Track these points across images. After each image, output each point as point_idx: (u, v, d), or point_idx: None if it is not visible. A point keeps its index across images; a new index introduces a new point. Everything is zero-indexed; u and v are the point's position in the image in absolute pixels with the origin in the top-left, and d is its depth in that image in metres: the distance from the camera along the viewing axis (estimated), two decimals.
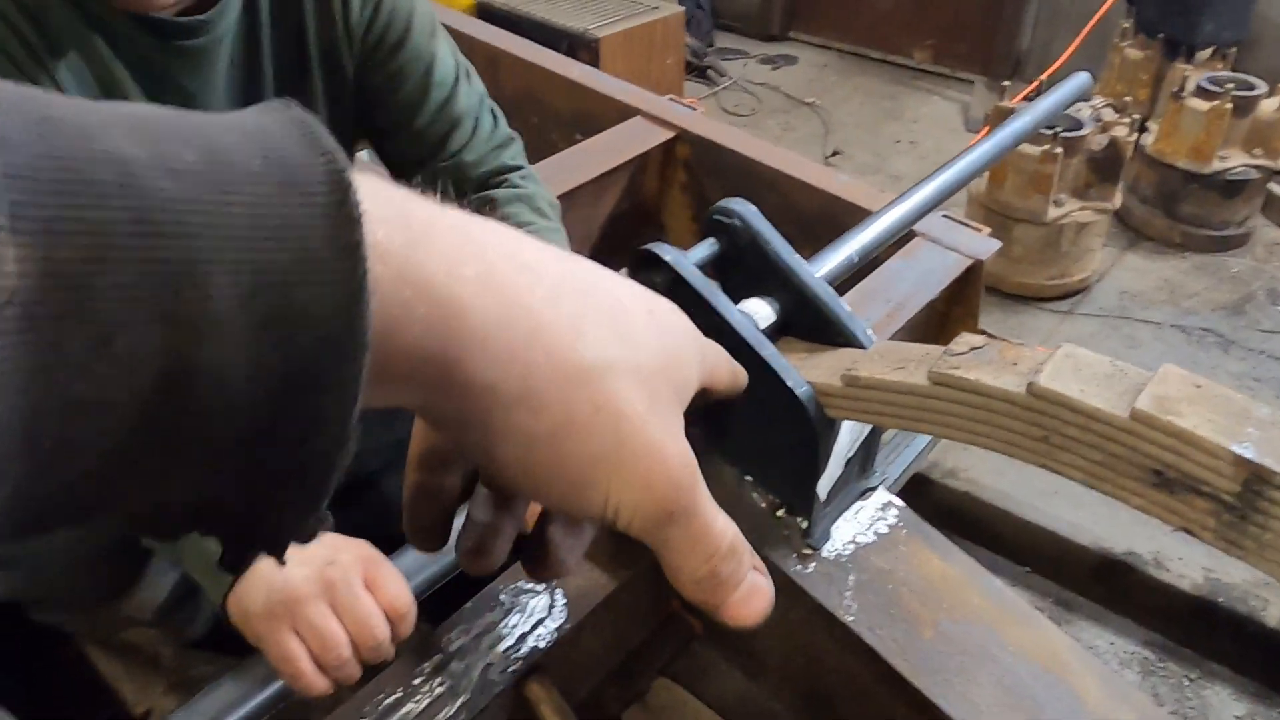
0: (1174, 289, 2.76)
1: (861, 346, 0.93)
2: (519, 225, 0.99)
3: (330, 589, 0.66)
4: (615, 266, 0.50)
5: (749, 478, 1.00)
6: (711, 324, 0.92)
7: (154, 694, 1.25)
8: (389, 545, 1.07)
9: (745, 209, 0.99)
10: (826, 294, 0.97)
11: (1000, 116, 2.74)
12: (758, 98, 3.67)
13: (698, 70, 3.84)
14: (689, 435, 0.42)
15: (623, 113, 1.88)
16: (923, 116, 3.66)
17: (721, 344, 0.90)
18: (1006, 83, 3.10)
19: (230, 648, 1.17)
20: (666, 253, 0.93)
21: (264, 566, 0.54)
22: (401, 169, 0.99)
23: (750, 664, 1.20)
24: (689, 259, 0.94)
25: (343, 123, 0.95)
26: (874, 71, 4.07)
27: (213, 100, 0.86)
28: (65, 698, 1.35)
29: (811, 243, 1.06)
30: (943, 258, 1.53)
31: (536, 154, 2.07)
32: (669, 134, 1.82)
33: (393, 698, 0.86)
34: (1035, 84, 2.96)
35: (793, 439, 0.92)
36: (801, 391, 0.88)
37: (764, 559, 0.97)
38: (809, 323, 0.95)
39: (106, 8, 0.77)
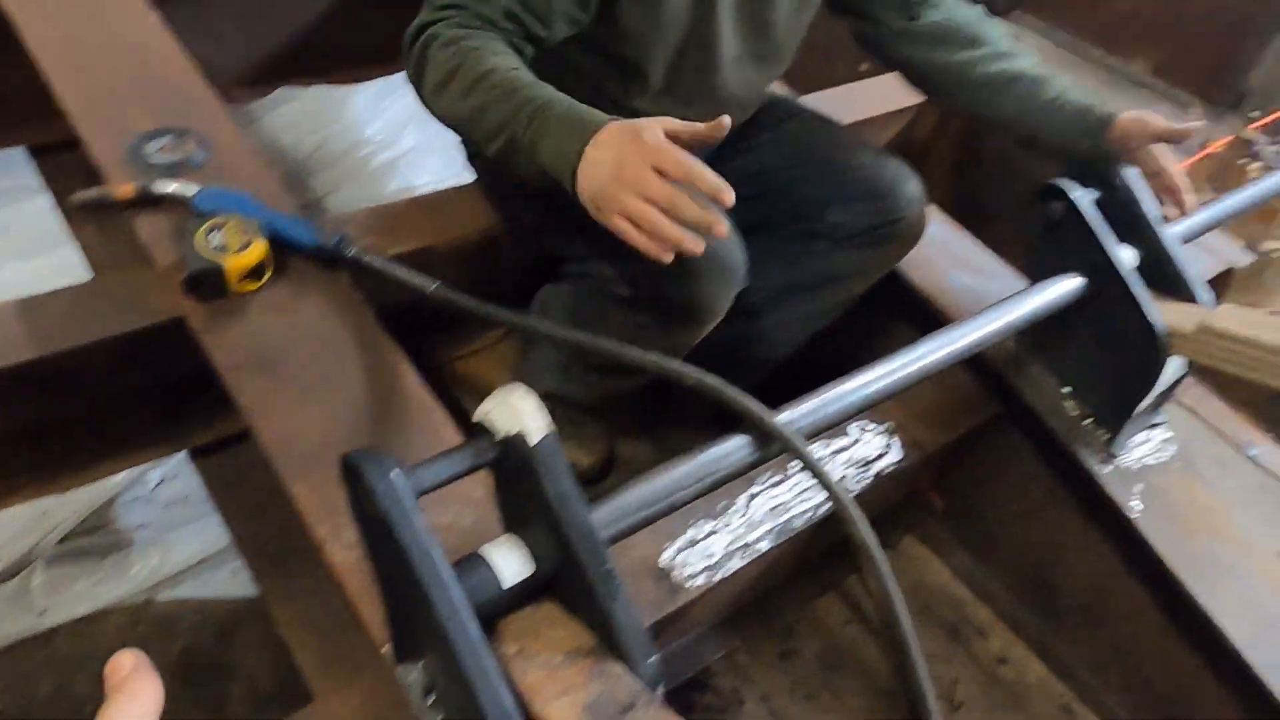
0: None
1: (1202, 305, 1.13)
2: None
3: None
4: None
5: (1068, 389, 1.21)
6: (1094, 256, 1.12)
7: None
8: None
9: (1130, 172, 1.18)
10: (1181, 256, 1.16)
11: (1237, 143, 2.83)
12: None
13: None
14: None
15: None
16: None
17: (1097, 275, 1.11)
18: (1250, 114, 3.15)
19: None
20: (1072, 189, 1.13)
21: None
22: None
23: (983, 547, 1.43)
24: (1085, 197, 1.14)
25: None
26: (1090, 70, 4.11)
27: None
28: None
29: None
30: (1206, 260, 1.69)
31: (820, 76, 2.21)
32: None
33: (774, 480, 1.10)
34: (1276, 115, 3.02)
35: (1132, 365, 1.12)
36: (1160, 327, 1.08)
37: (1067, 455, 1.19)
38: (1158, 276, 1.15)
39: None
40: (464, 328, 1.56)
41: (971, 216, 2.06)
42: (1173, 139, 1.15)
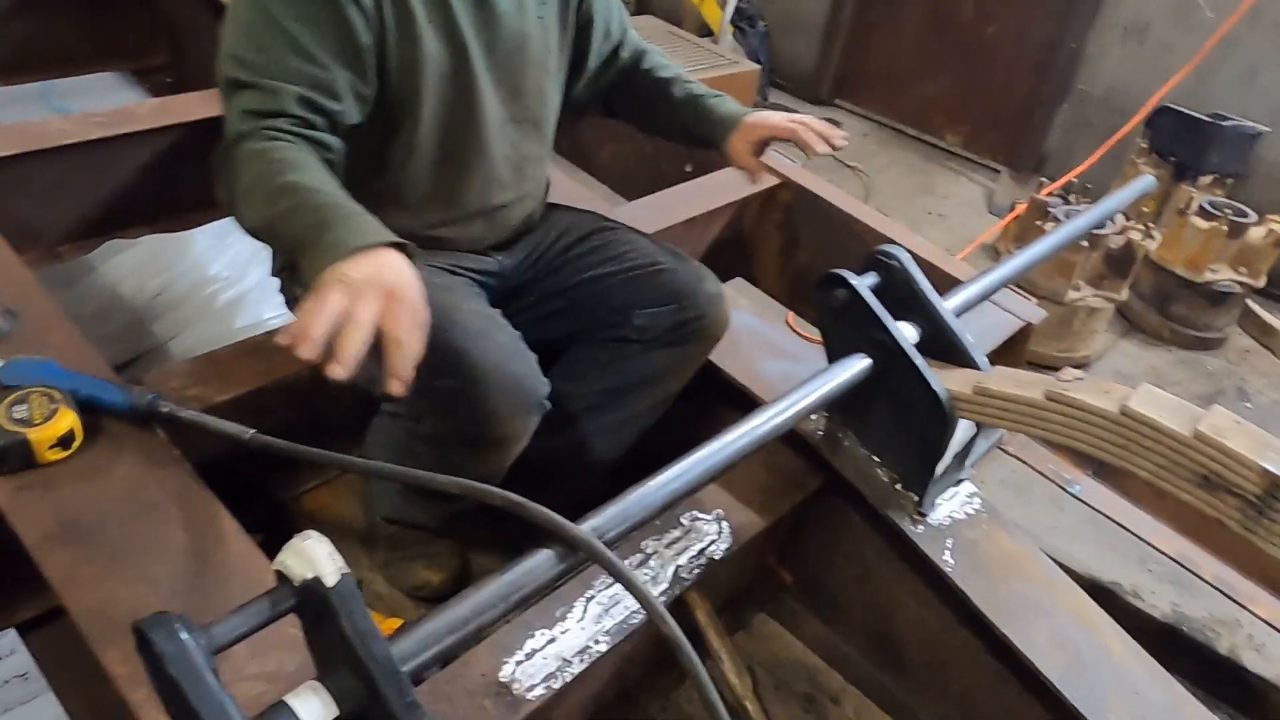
0: (1159, 376, 3.12)
1: (979, 369, 1.25)
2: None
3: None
4: None
5: (876, 458, 1.30)
6: (878, 335, 1.23)
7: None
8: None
9: (901, 254, 1.30)
10: (956, 326, 1.28)
11: (1035, 206, 3.09)
12: (806, 155, 4.00)
13: None
14: None
15: None
16: (952, 194, 4.03)
17: (884, 353, 1.21)
18: (1044, 178, 3.46)
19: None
20: (850, 278, 1.24)
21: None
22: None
23: (831, 613, 1.49)
24: (863, 283, 1.25)
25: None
26: (910, 146, 4.45)
27: None
28: None
29: None
30: (1001, 317, 1.84)
31: (650, 181, 2.34)
32: (775, 180, 2.12)
33: (610, 581, 1.14)
34: (1065, 179, 3.32)
35: (925, 431, 1.22)
36: (942, 394, 1.18)
37: (885, 519, 1.27)
38: (939, 346, 1.26)
39: None
40: (309, 461, 1.57)
41: (798, 296, 2.21)
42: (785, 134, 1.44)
